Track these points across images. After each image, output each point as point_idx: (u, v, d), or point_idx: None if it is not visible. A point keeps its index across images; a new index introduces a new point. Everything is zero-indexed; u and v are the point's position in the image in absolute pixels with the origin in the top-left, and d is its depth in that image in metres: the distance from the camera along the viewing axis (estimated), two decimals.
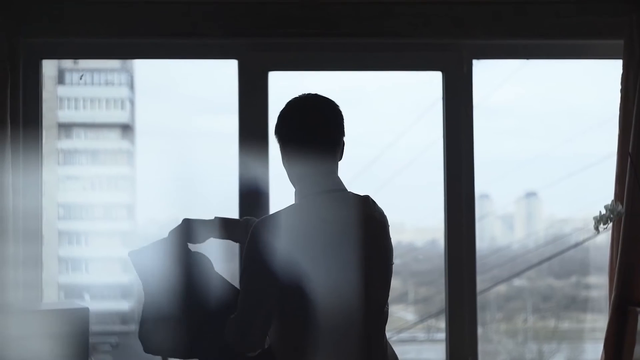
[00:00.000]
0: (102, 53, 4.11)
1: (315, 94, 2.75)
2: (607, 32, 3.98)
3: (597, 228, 3.65)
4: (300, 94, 2.76)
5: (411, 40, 4.02)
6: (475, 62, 4.09)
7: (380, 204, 2.76)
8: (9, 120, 3.70)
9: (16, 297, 3.75)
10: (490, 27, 3.98)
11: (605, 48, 4.09)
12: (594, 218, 3.67)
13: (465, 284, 4.02)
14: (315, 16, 3.93)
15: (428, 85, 4.22)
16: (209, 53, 4.05)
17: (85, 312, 3.38)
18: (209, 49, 4.04)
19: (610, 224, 3.77)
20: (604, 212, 3.67)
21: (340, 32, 3.95)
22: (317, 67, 4.08)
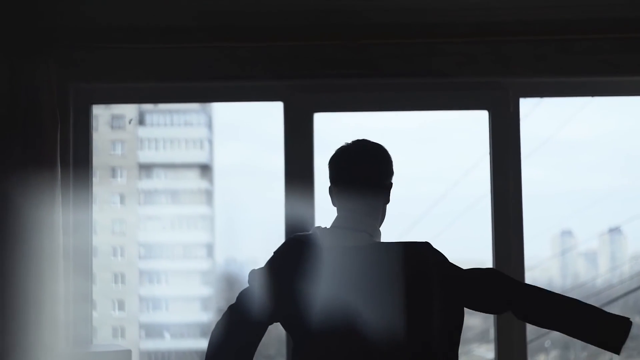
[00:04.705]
0: (151, 98, 4.19)
1: (364, 140, 2.88)
2: None
3: None
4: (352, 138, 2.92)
5: (456, 79, 4.00)
6: (542, 99, 4.09)
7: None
8: (59, 163, 3.79)
9: (67, 337, 3.82)
10: (537, 65, 3.95)
11: None
12: None
13: (515, 332, 3.95)
14: (359, 57, 3.95)
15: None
16: (255, 96, 4.09)
17: (127, 354, 3.46)
18: (254, 92, 4.08)
19: None
20: None
21: (384, 73, 3.96)
22: (362, 108, 4.09)
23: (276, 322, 2.75)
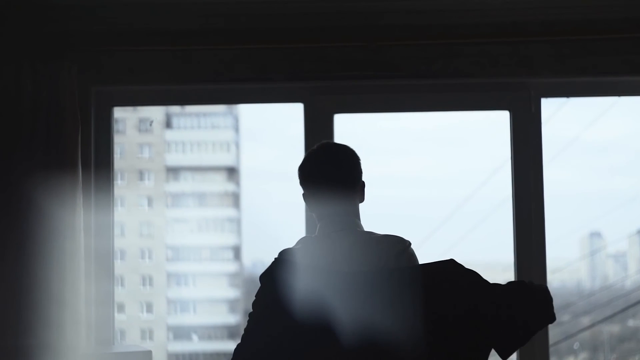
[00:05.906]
0: (172, 99, 4.20)
1: (329, 142, 2.93)
2: None
3: None
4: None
5: (477, 80, 3.98)
6: (567, 101, 4.07)
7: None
8: (79, 165, 3.82)
9: (89, 337, 3.84)
10: (558, 65, 3.93)
11: None
12: None
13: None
14: (380, 58, 3.94)
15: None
16: (275, 97, 4.09)
17: (148, 355, 3.47)
18: (275, 94, 4.09)
19: None
20: None
21: (405, 74, 3.96)
22: (382, 109, 4.08)
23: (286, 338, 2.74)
